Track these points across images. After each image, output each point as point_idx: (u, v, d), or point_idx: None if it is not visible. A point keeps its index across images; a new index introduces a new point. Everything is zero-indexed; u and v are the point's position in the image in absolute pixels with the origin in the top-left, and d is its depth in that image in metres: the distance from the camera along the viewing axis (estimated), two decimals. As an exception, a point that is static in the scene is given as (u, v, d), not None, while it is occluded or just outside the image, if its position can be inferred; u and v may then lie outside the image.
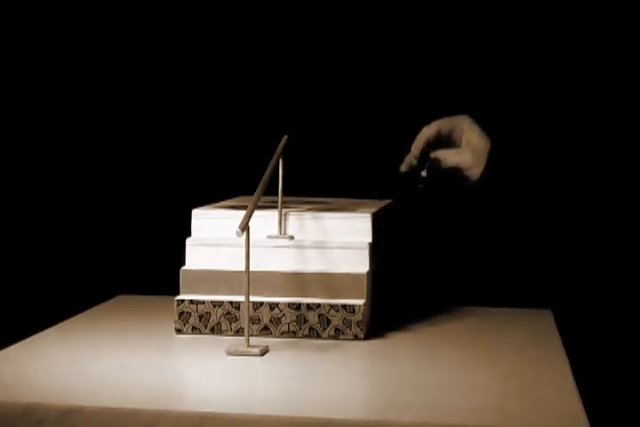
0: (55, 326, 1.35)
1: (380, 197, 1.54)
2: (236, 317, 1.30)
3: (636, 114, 1.66)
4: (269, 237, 1.32)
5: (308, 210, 1.36)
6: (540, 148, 1.70)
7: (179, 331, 1.31)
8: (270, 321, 1.29)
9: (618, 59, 1.67)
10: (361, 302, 1.29)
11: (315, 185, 1.60)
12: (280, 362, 1.18)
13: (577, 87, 1.69)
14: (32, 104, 1.80)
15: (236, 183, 1.55)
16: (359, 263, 1.31)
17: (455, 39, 1.70)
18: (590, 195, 1.68)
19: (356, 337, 1.29)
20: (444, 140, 1.51)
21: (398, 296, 1.48)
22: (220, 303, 1.30)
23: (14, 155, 1.80)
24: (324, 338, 1.29)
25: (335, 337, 1.29)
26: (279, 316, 1.29)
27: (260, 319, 1.29)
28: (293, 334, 1.29)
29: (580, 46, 1.67)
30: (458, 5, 1.70)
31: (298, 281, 1.30)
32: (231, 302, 1.30)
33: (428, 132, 1.52)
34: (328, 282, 1.30)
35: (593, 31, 1.67)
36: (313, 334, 1.29)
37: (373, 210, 1.37)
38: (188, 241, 1.34)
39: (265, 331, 1.29)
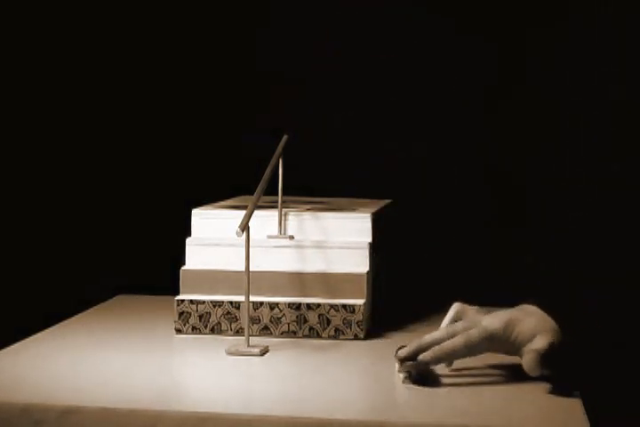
0: (55, 326, 1.35)
1: (380, 197, 1.54)
2: (235, 317, 1.30)
3: None
4: (269, 237, 1.32)
5: (308, 210, 1.36)
6: (539, 147, 1.70)
7: (179, 331, 1.31)
8: (270, 321, 1.29)
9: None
10: (361, 302, 1.29)
11: (315, 185, 1.60)
12: (280, 362, 1.18)
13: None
14: (32, 104, 1.80)
15: (236, 183, 1.55)
16: (359, 263, 1.31)
17: (459, 38, 1.70)
18: (590, 193, 1.68)
19: (356, 337, 1.28)
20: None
21: (398, 296, 1.48)
22: (220, 303, 1.30)
23: (14, 155, 1.80)
24: (324, 338, 1.29)
25: (335, 337, 1.29)
26: (279, 316, 1.29)
27: (260, 319, 1.29)
28: (293, 334, 1.29)
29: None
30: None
31: (298, 281, 1.30)
32: (231, 302, 1.30)
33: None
34: (328, 282, 1.30)
35: None
36: (313, 334, 1.29)
37: (373, 210, 1.37)
38: (188, 241, 1.34)
39: (265, 331, 1.29)
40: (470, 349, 1.10)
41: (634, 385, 1.64)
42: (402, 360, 1.12)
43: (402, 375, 1.11)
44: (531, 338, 1.11)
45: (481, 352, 1.12)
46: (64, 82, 1.79)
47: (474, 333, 1.11)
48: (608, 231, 1.66)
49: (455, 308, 1.18)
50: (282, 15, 1.74)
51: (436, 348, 1.11)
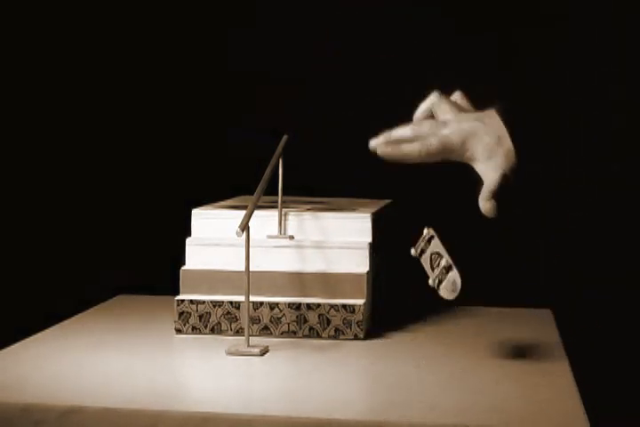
0: (55, 326, 1.35)
1: (380, 197, 1.54)
2: (235, 317, 1.30)
3: None
4: (269, 237, 1.32)
5: (308, 210, 1.36)
6: (539, 147, 1.70)
7: (179, 331, 1.31)
8: (270, 321, 1.29)
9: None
10: (361, 302, 1.29)
11: (315, 185, 1.59)
12: (280, 362, 1.18)
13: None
14: (32, 104, 1.80)
15: (236, 183, 1.55)
16: (359, 263, 1.31)
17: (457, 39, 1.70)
18: (590, 193, 1.68)
19: (356, 337, 1.28)
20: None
21: (398, 296, 1.48)
22: (220, 303, 1.30)
23: (14, 156, 1.80)
24: (324, 338, 1.29)
25: (335, 337, 1.29)
26: (279, 316, 1.29)
27: (260, 319, 1.29)
28: (293, 334, 1.29)
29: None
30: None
31: (298, 281, 1.30)
32: (231, 302, 1.30)
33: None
34: (328, 282, 1.30)
35: None
36: (313, 334, 1.29)
37: (373, 210, 1.37)
38: (188, 241, 1.34)
39: (265, 331, 1.29)
40: (424, 158, 1.19)
41: (634, 385, 1.64)
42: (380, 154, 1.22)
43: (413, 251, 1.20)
44: (483, 159, 1.19)
45: (435, 160, 1.20)
46: (64, 83, 1.79)
47: (432, 144, 1.18)
48: (608, 231, 1.67)
49: (431, 99, 1.23)
50: (282, 15, 1.74)
51: (396, 148, 1.20)
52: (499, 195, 1.19)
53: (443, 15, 1.70)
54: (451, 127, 1.19)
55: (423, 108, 1.24)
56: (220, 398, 1.04)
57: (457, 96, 1.25)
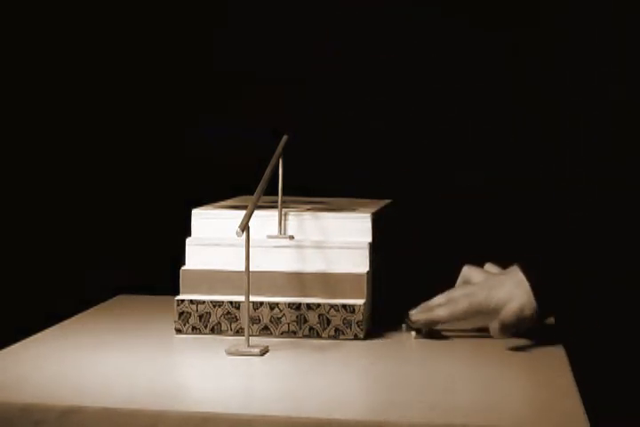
0: (55, 326, 1.35)
1: (380, 197, 1.54)
2: (235, 317, 1.30)
3: None
4: (269, 236, 1.32)
5: (308, 210, 1.36)
6: (539, 147, 1.70)
7: (179, 331, 1.31)
8: (270, 321, 1.29)
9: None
10: (361, 302, 1.29)
11: (315, 185, 1.59)
12: (280, 362, 1.18)
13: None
14: (32, 102, 1.80)
15: (236, 183, 1.55)
16: (359, 263, 1.31)
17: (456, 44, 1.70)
18: (590, 193, 1.68)
19: (355, 337, 1.28)
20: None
21: (398, 296, 1.48)
22: (220, 303, 1.30)
23: (14, 157, 1.80)
24: (324, 338, 1.29)
25: (335, 337, 1.29)
26: (279, 316, 1.29)
27: (260, 319, 1.29)
28: (293, 334, 1.29)
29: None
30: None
31: (298, 281, 1.30)
32: (231, 302, 1.30)
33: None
34: (328, 282, 1.30)
35: None
36: (313, 334, 1.29)
37: (373, 210, 1.37)
38: (188, 241, 1.34)
39: (265, 331, 1.29)
40: (453, 319, 1.28)
41: (634, 385, 1.64)
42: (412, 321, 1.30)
43: (413, 333, 1.30)
44: (506, 301, 1.26)
45: (465, 320, 1.29)
46: (64, 82, 1.79)
47: (459, 303, 1.27)
48: (608, 231, 1.66)
49: (462, 273, 1.34)
50: (282, 15, 1.74)
51: (427, 314, 1.29)
52: (508, 327, 1.26)
53: (443, 15, 1.70)
54: (478, 285, 1.29)
55: (458, 283, 1.34)
56: (220, 398, 1.04)
57: (488, 266, 1.36)
